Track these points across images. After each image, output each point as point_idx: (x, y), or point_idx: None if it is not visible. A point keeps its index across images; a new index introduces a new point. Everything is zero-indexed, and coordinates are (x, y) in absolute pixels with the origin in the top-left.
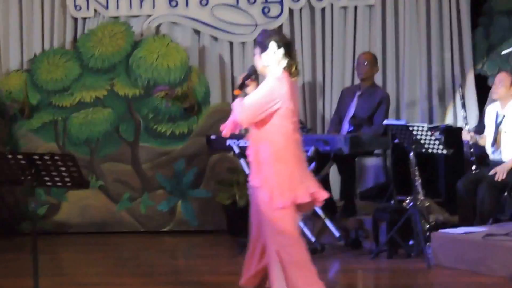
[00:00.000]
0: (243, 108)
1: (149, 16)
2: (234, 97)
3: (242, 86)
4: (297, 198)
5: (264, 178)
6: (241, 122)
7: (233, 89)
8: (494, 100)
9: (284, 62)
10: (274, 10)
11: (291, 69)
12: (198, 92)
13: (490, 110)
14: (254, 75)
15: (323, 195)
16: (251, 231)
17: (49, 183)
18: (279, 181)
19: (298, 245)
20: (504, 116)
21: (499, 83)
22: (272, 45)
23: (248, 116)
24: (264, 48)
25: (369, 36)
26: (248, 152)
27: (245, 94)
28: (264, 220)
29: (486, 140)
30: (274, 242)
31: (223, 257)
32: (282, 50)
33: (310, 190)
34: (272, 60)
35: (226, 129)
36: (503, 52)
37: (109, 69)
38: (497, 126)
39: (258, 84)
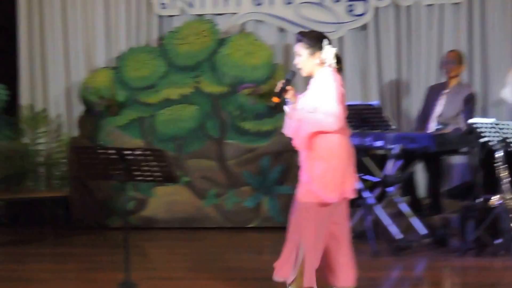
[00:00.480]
0: (332, 116)
1: (234, 14)
2: (277, 105)
3: (282, 92)
4: (346, 194)
5: (319, 173)
6: (334, 130)
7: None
8: None
9: (334, 61)
10: (359, 8)
11: (339, 66)
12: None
13: None
14: (292, 81)
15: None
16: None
17: (139, 178)
18: (333, 176)
19: (323, 245)
20: None
21: None
22: (327, 44)
23: (339, 122)
24: (319, 48)
25: (456, 34)
26: (300, 148)
27: (284, 101)
28: (306, 214)
29: None
30: (309, 235)
31: None
32: (335, 50)
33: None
34: (328, 59)
35: (299, 143)
36: None
37: (195, 67)
38: None
39: (294, 89)
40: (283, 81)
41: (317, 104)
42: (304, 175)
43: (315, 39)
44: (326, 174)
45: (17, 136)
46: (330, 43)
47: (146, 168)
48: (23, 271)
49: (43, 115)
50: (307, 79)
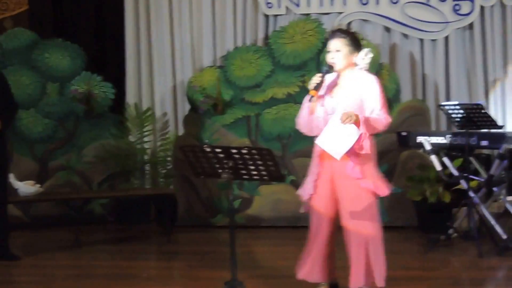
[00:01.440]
0: (385, 114)
1: (340, 13)
2: (311, 97)
3: (319, 86)
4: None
5: (367, 169)
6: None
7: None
8: None
9: (368, 65)
10: (465, 7)
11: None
12: (389, 89)
13: None
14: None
15: None
16: (322, 227)
17: (246, 176)
18: (378, 173)
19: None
20: None
21: None
22: (366, 48)
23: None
24: (359, 48)
25: None
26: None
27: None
28: (361, 208)
29: None
30: (368, 228)
31: (413, 253)
32: (372, 55)
33: None
34: (364, 62)
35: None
36: None
37: (301, 66)
38: None
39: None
40: (320, 74)
41: (374, 106)
42: (355, 171)
43: (357, 40)
44: (377, 171)
45: (123, 134)
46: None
47: (253, 167)
48: (130, 268)
49: (149, 113)
50: None
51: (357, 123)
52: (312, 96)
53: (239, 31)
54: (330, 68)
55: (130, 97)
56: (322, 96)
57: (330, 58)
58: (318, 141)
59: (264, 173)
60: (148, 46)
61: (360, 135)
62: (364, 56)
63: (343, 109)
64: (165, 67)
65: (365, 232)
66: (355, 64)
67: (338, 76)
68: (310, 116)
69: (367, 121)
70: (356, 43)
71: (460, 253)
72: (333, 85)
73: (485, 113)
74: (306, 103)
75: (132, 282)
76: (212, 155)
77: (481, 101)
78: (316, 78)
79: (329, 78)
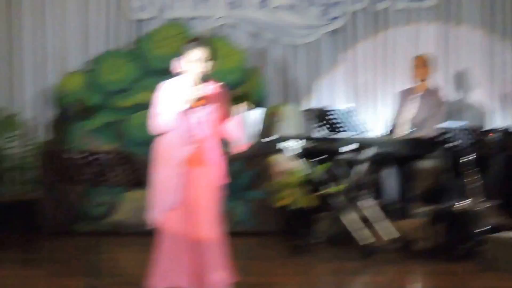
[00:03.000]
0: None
1: (209, 17)
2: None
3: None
4: None
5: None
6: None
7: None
8: None
9: None
10: (334, 11)
11: None
12: (256, 93)
13: None
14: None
15: None
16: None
17: (108, 182)
18: None
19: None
20: None
21: None
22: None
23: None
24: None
25: (429, 38)
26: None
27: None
28: (211, 203)
29: None
30: (216, 222)
31: (276, 259)
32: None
33: None
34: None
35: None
36: None
37: (169, 70)
38: None
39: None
40: (201, 86)
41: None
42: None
43: (215, 48)
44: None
45: None
46: None
47: (114, 173)
48: None
49: (14, 118)
50: None
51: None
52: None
53: (108, 35)
54: (204, 78)
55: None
56: (198, 105)
57: (202, 67)
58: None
59: (126, 178)
60: (16, 48)
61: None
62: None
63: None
64: (32, 71)
65: (209, 236)
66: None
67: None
68: (182, 123)
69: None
70: (214, 52)
71: (323, 258)
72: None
73: (352, 117)
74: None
75: None
76: (75, 161)
77: (348, 105)
78: (196, 91)
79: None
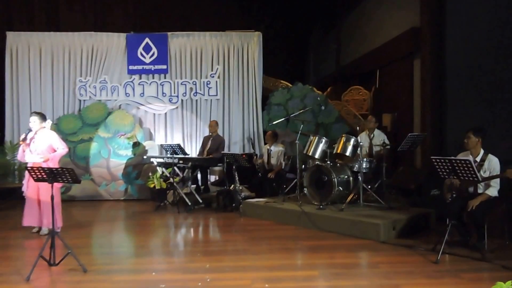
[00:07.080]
0: (65, 147)
1: (115, 100)
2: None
3: (25, 139)
4: None
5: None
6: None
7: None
8: None
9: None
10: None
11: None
12: (139, 136)
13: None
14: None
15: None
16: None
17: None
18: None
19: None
20: None
21: None
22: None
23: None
24: (44, 119)
25: None
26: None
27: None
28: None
29: None
30: (50, 215)
31: (148, 212)
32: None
33: None
34: (49, 126)
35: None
36: None
37: (94, 124)
38: None
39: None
40: (24, 134)
41: (58, 146)
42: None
43: (43, 116)
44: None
45: None
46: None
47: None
48: None
49: None
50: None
51: (46, 159)
52: (22, 144)
53: (68, 106)
54: (30, 130)
55: None
56: (28, 144)
57: (32, 124)
58: (28, 160)
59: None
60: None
61: (47, 159)
62: (47, 124)
63: (40, 149)
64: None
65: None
66: (44, 127)
67: (35, 132)
68: (23, 153)
69: (54, 155)
70: (43, 117)
71: (171, 212)
72: (33, 137)
73: (180, 149)
74: (21, 148)
75: None
76: None
77: (178, 143)
78: (23, 136)
79: (30, 134)
